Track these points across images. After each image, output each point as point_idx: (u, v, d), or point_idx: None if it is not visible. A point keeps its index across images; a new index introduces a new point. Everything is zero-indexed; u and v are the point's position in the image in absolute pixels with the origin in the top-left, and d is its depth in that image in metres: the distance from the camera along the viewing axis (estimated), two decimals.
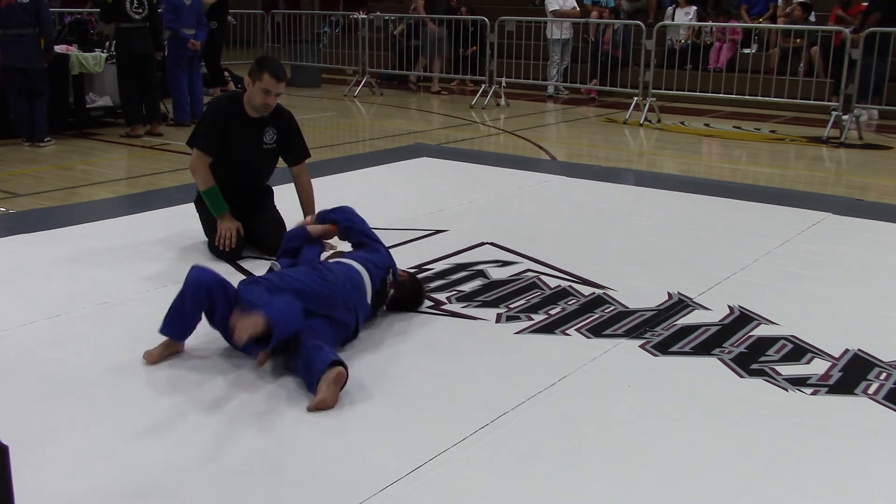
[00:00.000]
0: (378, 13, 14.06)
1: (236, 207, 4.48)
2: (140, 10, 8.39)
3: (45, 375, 3.12)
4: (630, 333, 3.60)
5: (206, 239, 4.63)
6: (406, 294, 3.83)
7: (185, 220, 5.14)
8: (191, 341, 3.35)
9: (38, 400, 2.93)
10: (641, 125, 9.87)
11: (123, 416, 2.83)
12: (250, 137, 4.48)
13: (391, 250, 4.45)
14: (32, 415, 2.82)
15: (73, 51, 8.76)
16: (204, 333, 3.38)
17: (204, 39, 9.51)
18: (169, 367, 3.20)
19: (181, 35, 8.99)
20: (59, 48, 8.38)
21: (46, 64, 7.81)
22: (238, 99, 4.48)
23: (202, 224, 4.67)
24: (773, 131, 9.80)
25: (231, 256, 4.41)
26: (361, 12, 13.87)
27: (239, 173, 4.54)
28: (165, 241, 4.79)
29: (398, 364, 3.28)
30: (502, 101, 11.40)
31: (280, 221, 4.63)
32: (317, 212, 4.12)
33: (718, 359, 3.37)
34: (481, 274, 4.34)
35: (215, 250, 4.44)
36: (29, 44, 7.58)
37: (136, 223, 5.23)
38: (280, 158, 4.73)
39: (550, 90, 12.64)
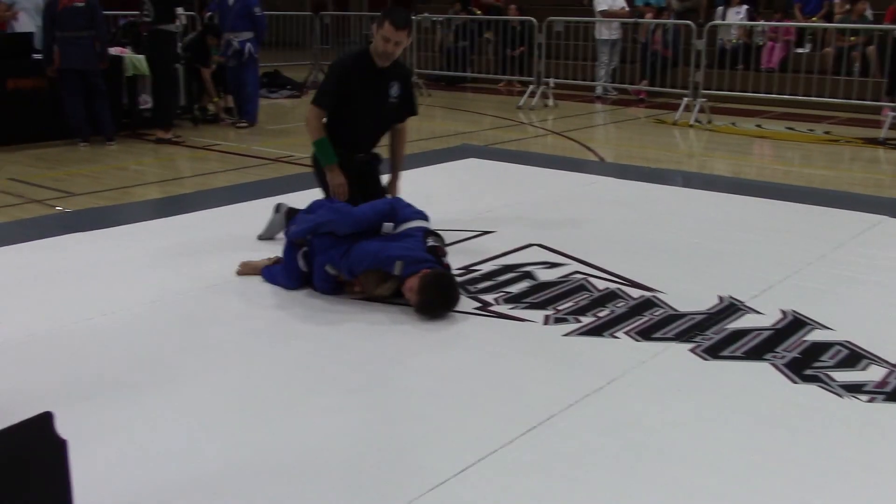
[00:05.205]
0: (426, 14, 14.10)
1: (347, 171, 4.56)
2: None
3: (103, 371, 3.19)
4: (680, 337, 3.56)
5: (262, 233, 4.90)
6: (429, 292, 3.68)
7: (234, 220, 5.22)
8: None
9: (94, 396, 2.98)
10: (691, 126, 9.75)
11: (180, 410, 2.87)
12: (378, 90, 4.61)
13: None
14: (87, 411, 2.87)
15: (126, 53, 8.92)
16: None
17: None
18: (209, 365, 3.25)
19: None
20: (112, 50, 8.54)
21: (103, 66, 7.98)
22: (363, 53, 4.60)
23: (318, 179, 4.80)
24: (827, 132, 9.60)
25: None
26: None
27: (361, 129, 4.65)
28: (215, 241, 4.85)
29: (446, 365, 3.29)
30: (550, 102, 11.35)
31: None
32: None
33: (771, 363, 3.31)
34: (529, 275, 4.33)
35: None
36: (86, 46, 7.79)
37: (188, 223, 5.31)
38: None
39: (599, 91, 12.56)
